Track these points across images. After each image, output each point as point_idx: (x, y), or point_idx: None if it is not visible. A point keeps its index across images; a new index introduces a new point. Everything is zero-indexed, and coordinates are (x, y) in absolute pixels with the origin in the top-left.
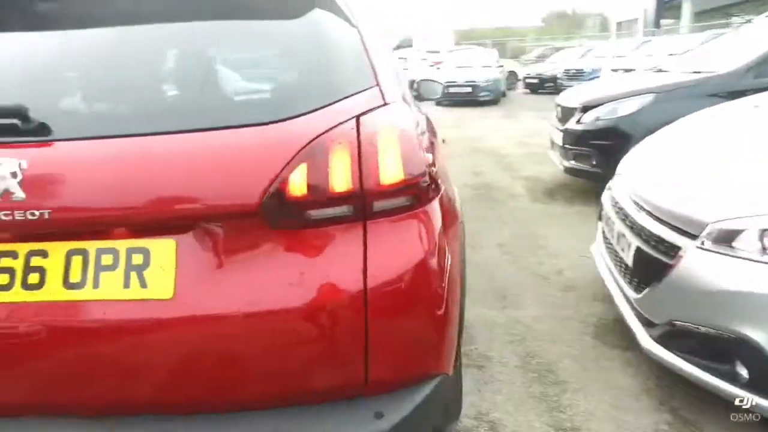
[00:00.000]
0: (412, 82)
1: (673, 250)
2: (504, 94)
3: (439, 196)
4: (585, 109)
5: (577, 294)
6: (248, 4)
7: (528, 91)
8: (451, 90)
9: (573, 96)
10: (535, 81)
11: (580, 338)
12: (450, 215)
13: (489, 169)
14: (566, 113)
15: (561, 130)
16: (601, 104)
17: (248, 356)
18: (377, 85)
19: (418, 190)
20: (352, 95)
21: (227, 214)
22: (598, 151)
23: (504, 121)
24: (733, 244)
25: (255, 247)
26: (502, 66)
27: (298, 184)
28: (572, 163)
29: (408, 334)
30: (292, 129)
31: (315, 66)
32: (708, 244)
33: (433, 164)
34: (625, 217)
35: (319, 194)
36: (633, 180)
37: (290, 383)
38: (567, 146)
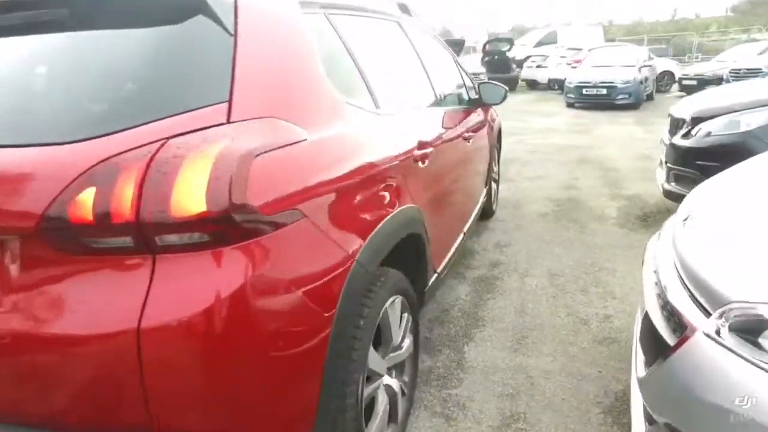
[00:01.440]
0: (477, 85)
1: (679, 328)
2: (650, 98)
3: (274, 233)
4: (696, 121)
5: (613, 351)
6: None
7: (684, 94)
8: (585, 92)
9: (687, 105)
10: (692, 83)
11: (587, 411)
12: (290, 255)
13: (587, 184)
14: (676, 125)
15: (666, 145)
16: (717, 116)
17: (23, 376)
18: (228, 101)
19: (225, 227)
20: (184, 113)
21: (12, 233)
22: (705, 174)
23: (634, 129)
24: (760, 339)
25: (39, 269)
26: (651, 65)
27: (79, 209)
28: (672, 186)
29: (190, 388)
30: (83, 150)
31: (145, 80)
32: (721, 331)
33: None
34: (655, 271)
35: (101, 222)
36: (680, 225)
37: (60, 410)
38: (670, 165)
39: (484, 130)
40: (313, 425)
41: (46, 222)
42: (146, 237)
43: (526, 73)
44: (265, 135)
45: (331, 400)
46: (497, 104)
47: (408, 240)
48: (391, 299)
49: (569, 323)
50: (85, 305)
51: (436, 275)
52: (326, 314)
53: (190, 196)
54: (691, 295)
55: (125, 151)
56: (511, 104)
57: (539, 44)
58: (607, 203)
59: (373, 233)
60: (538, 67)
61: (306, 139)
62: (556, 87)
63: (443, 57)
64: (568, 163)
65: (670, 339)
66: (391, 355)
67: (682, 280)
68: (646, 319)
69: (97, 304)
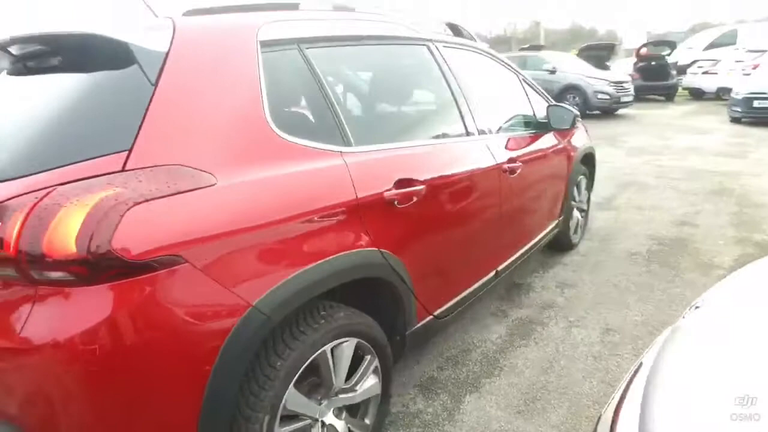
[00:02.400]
0: (546, 108)
1: None
2: None
3: (145, 276)
4: None
5: None
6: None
7: None
8: (756, 104)
9: None
10: None
11: None
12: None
13: (709, 221)
14: None
15: None
16: None
17: None
18: (129, 149)
19: (89, 269)
20: (85, 161)
21: None
22: None
23: None
24: None
25: None
26: None
27: None
28: None
29: (42, 404)
30: None
31: (59, 128)
32: None
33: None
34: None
35: None
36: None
37: None
38: None
39: (557, 157)
40: None
41: None
42: (25, 271)
43: (690, 80)
44: (158, 182)
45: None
46: (565, 129)
47: (373, 284)
48: (335, 342)
49: (598, 392)
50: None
51: (431, 318)
52: (204, 356)
53: (60, 241)
54: None
55: (21, 195)
56: (660, 117)
57: (712, 46)
58: (724, 249)
59: (285, 280)
60: (705, 73)
61: (214, 185)
62: (727, 97)
63: (498, 80)
64: (697, 192)
65: None
66: (341, 396)
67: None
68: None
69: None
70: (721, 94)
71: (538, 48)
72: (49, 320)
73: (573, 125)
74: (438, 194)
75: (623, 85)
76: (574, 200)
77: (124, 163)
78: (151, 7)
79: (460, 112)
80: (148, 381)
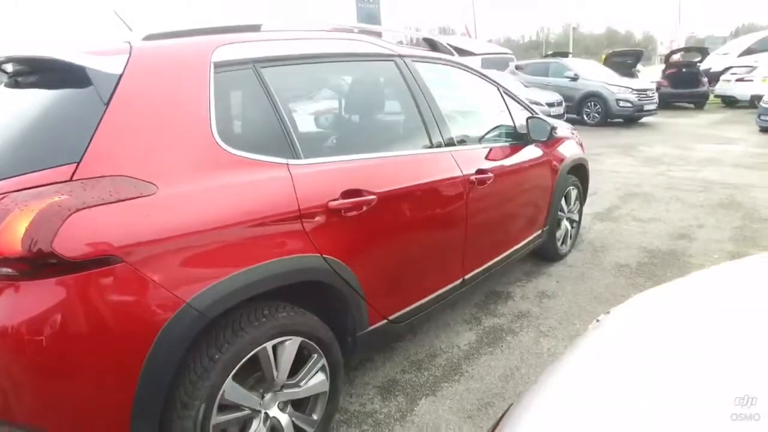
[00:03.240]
0: (526, 120)
1: None
2: None
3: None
4: None
5: None
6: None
7: None
8: None
9: None
10: None
11: None
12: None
13: (709, 235)
14: None
15: None
16: None
17: None
18: (78, 162)
19: (32, 266)
20: (38, 171)
21: None
22: None
23: None
24: None
25: None
26: None
27: None
28: None
29: None
30: None
31: (17, 139)
32: None
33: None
34: None
35: None
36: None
37: None
38: None
39: (539, 168)
40: (130, 423)
41: None
42: None
43: (722, 88)
44: (101, 191)
45: (149, 419)
46: (544, 141)
47: (321, 287)
48: (277, 340)
49: None
50: None
51: (385, 321)
52: (138, 346)
53: (7, 240)
54: None
55: None
56: (684, 126)
57: (748, 52)
58: (716, 264)
59: (220, 281)
60: (739, 80)
61: (154, 194)
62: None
63: (473, 92)
64: (704, 205)
65: None
66: (285, 391)
67: None
68: None
69: None
70: (755, 102)
71: (564, 54)
72: (3, 308)
73: (551, 137)
74: (392, 204)
75: (647, 92)
76: (563, 211)
77: (72, 174)
78: (127, 23)
79: (425, 125)
80: (84, 367)
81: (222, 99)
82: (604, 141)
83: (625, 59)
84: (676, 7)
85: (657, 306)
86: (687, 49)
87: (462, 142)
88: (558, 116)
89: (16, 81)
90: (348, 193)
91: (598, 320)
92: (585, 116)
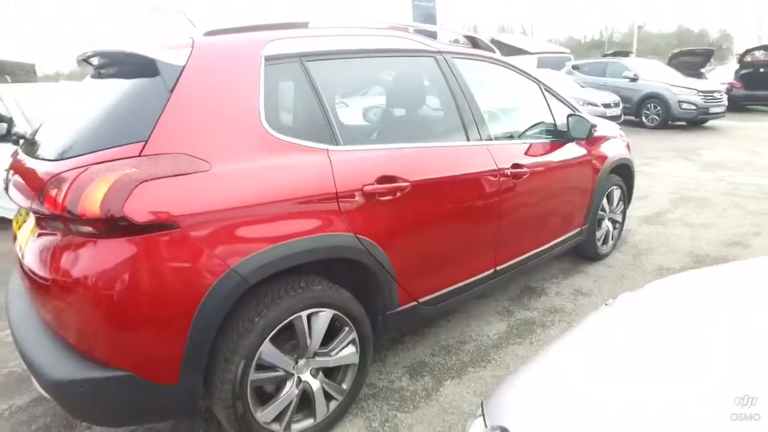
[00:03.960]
0: (567, 118)
1: None
2: None
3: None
4: None
5: None
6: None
7: None
8: None
9: None
10: None
11: None
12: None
13: (767, 243)
14: None
15: None
16: None
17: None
18: (146, 140)
19: (109, 226)
20: (114, 147)
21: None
22: None
23: None
24: None
25: (41, 234)
26: None
27: (44, 200)
28: None
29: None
30: (55, 166)
31: (101, 122)
32: None
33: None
34: None
35: (50, 210)
36: None
37: None
38: None
39: (579, 166)
40: (179, 371)
41: (34, 206)
42: (67, 225)
43: None
44: (164, 166)
45: (197, 366)
46: (584, 139)
47: (348, 264)
48: (311, 310)
49: None
50: (53, 260)
51: (415, 303)
52: (189, 302)
53: (89, 204)
54: None
55: (68, 170)
56: (756, 131)
57: None
58: None
59: (262, 251)
60: None
61: (208, 171)
62: None
63: (514, 89)
64: (765, 212)
65: None
66: (317, 358)
67: None
68: None
69: (55, 259)
70: None
71: (624, 54)
72: (81, 260)
73: (590, 135)
74: (425, 192)
75: (713, 94)
76: (604, 210)
77: (141, 150)
78: (191, 20)
79: (462, 119)
80: (144, 315)
81: (271, 89)
82: (662, 144)
83: (692, 59)
84: (759, 3)
85: (666, 296)
86: (765, 47)
87: (499, 137)
88: (614, 118)
89: (99, 72)
90: (383, 179)
91: (606, 304)
92: (644, 118)
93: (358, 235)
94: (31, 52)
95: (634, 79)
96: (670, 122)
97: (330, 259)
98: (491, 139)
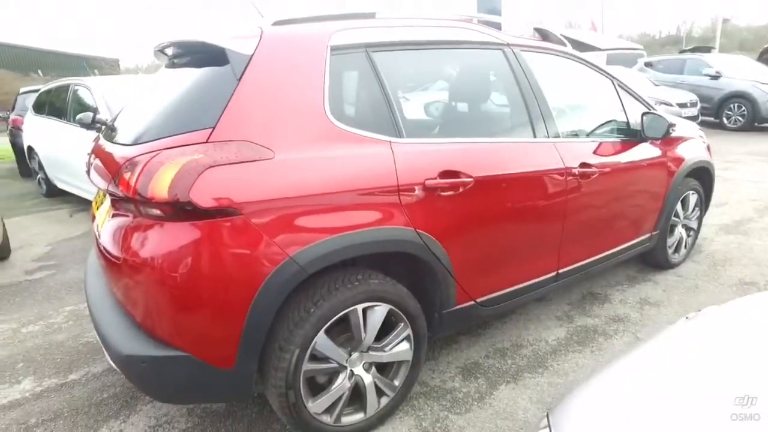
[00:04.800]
0: (641, 116)
1: None
2: None
3: (212, 220)
4: None
5: None
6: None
7: None
8: None
9: None
10: None
11: None
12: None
13: None
14: None
15: None
16: None
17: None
18: (213, 127)
19: (175, 210)
20: (184, 133)
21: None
22: None
23: None
24: None
25: (114, 215)
26: None
27: (118, 183)
28: None
29: (145, 296)
30: (129, 151)
31: (174, 109)
32: None
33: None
34: None
35: (122, 192)
36: None
37: None
38: None
39: (652, 168)
40: (236, 356)
41: (110, 188)
42: (137, 207)
43: None
44: (229, 153)
45: (252, 353)
46: (659, 139)
47: (406, 259)
48: (367, 304)
49: None
50: (124, 241)
51: (472, 303)
52: (248, 287)
53: (159, 188)
54: None
55: (141, 154)
56: None
57: None
58: None
59: (321, 241)
60: None
61: (272, 159)
62: None
63: (585, 84)
64: None
65: None
66: (371, 353)
67: None
68: None
69: (126, 240)
70: None
71: (706, 50)
72: (149, 242)
73: (667, 135)
74: (488, 189)
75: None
76: (678, 216)
77: (208, 137)
78: (259, 10)
79: (530, 115)
80: (204, 295)
81: (336, 79)
82: (744, 147)
83: None
84: None
85: (761, 314)
86: None
87: (568, 134)
88: (690, 118)
89: (173, 62)
90: (446, 174)
91: (687, 318)
92: (725, 119)
93: (417, 230)
94: (113, 49)
95: (715, 77)
96: (756, 124)
97: (387, 253)
98: (559, 137)
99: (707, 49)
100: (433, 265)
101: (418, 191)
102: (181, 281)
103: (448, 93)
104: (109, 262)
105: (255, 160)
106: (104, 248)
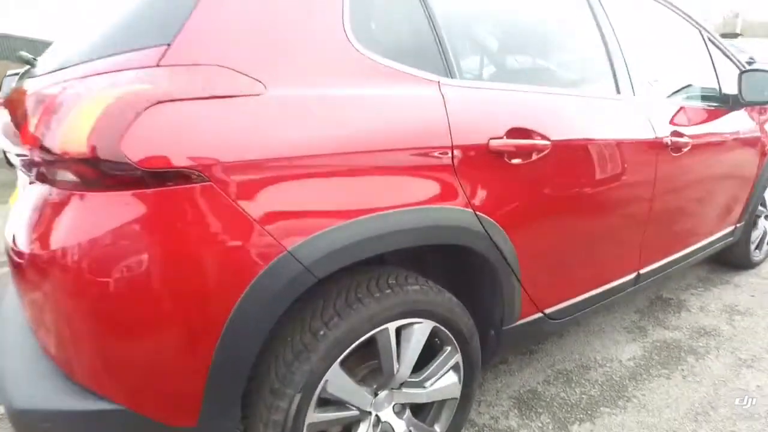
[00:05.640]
0: (739, 75)
1: None
2: None
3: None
4: None
5: None
6: None
7: None
8: None
9: None
10: None
11: None
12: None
13: None
14: None
15: None
16: None
17: None
18: (168, 44)
19: (94, 172)
20: (123, 53)
21: None
22: None
23: None
24: None
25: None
26: None
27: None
28: None
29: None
30: (39, 83)
31: (114, 23)
32: None
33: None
34: None
35: (21, 138)
36: None
37: None
38: None
39: (744, 144)
40: (200, 408)
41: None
42: (46, 169)
43: None
44: (191, 83)
45: (227, 401)
46: (764, 103)
47: (465, 256)
48: (403, 321)
49: None
50: (28, 227)
51: (540, 315)
52: (219, 300)
53: (72, 137)
54: None
55: (52, 85)
56: None
57: None
58: None
59: (335, 227)
60: None
61: (261, 95)
62: None
63: (673, 35)
64: None
65: None
66: (405, 390)
67: None
68: None
69: (30, 225)
70: None
71: (734, 36)
72: (61, 225)
73: None
74: (568, 158)
75: None
76: (764, 206)
77: (160, 58)
78: None
79: (612, 65)
80: (145, 312)
81: None
82: None
83: None
84: None
85: None
86: None
87: (654, 93)
88: None
89: None
90: (515, 133)
91: None
92: None
93: (477, 213)
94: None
95: (750, 62)
96: None
97: (428, 246)
98: (645, 96)
99: (734, 35)
100: (496, 263)
101: (478, 156)
102: (110, 290)
103: (515, 28)
104: (12, 262)
105: (234, 96)
106: (6, 242)
